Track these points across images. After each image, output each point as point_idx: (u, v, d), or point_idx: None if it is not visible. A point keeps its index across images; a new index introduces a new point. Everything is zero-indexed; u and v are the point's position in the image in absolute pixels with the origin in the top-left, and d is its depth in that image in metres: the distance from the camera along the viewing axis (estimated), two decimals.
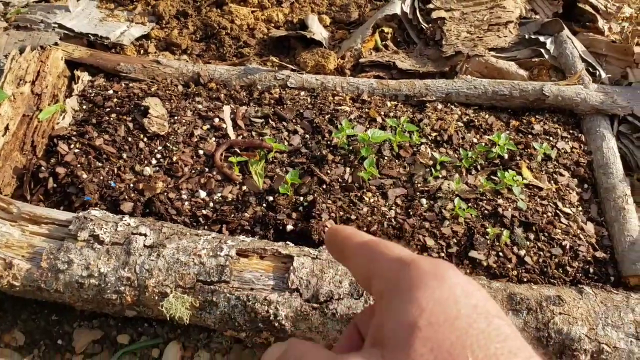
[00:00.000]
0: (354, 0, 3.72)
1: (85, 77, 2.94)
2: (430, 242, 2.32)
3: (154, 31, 3.37)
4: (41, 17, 3.17)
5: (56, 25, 3.11)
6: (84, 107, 2.82)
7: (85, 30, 3.15)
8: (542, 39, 3.19)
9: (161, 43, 3.34)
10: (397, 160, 2.67)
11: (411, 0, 3.50)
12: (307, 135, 2.77)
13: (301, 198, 2.47)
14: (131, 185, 2.47)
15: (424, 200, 2.49)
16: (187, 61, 3.22)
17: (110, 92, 2.87)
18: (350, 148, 2.68)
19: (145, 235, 2.06)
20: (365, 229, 2.34)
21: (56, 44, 2.97)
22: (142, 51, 3.27)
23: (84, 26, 3.19)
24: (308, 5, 3.68)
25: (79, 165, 2.50)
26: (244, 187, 2.52)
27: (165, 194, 2.45)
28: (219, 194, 2.49)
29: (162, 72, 2.99)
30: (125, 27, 3.28)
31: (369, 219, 2.39)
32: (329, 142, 2.72)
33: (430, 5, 3.45)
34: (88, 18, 3.27)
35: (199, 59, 3.30)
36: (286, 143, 2.72)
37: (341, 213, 2.41)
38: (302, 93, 2.98)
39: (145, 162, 2.58)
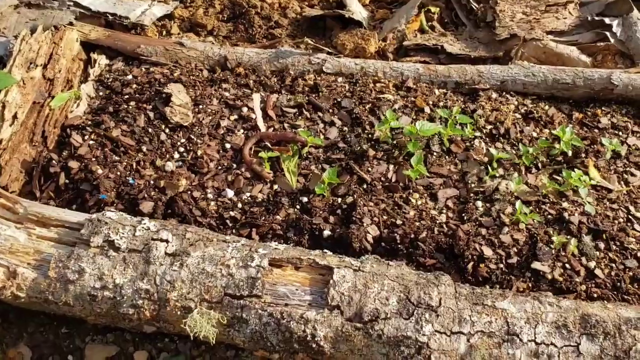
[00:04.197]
0: None
1: (102, 60, 2.70)
2: (487, 251, 2.05)
3: (178, 10, 3.10)
4: None
5: (71, 3, 2.87)
6: (101, 93, 2.58)
7: (103, 9, 2.90)
8: (607, 20, 2.87)
9: (185, 23, 3.08)
10: (447, 157, 2.39)
11: None
12: (345, 128, 2.49)
13: (339, 199, 2.21)
14: (151, 182, 2.23)
15: (479, 203, 2.21)
16: (213, 43, 2.95)
17: (130, 77, 2.62)
18: (395, 142, 2.41)
19: (167, 241, 1.81)
20: (412, 235, 2.06)
21: (71, 23, 2.73)
22: (164, 32, 3.01)
23: (102, 4, 2.93)
24: None
25: (93, 159, 2.26)
26: (276, 186, 2.27)
27: (189, 192, 2.20)
28: (248, 194, 2.24)
29: (186, 56, 2.72)
30: (147, 5, 3.02)
31: (417, 224, 2.12)
32: (370, 136, 2.44)
33: None
34: None
35: (225, 41, 3.03)
36: (322, 136, 2.45)
37: (385, 217, 2.14)
38: (340, 79, 2.70)
39: (167, 156, 2.33)
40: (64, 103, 2.42)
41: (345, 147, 2.41)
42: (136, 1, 3.02)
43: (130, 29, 2.93)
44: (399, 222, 2.12)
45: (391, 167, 2.34)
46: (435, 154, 2.38)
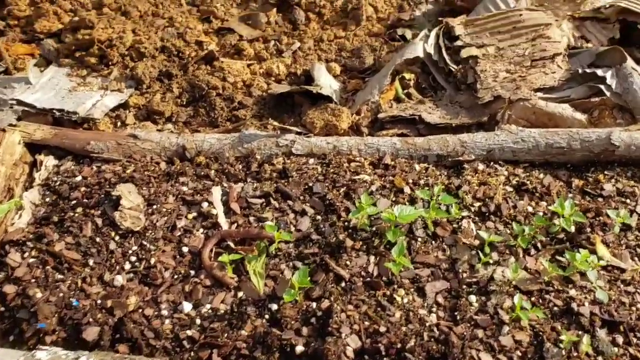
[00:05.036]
0: (368, 43, 3.20)
1: (49, 161, 2.48)
2: (486, 358, 1.75)
3: (133, 98, 2.89)
4: None
5: (14, 102, 2.66)
6: (47, 199, 2.35)
7: (49, 105, 2.69)
8: (600, 72, 2.63)
9: (141, 111, 2.86)
10: (433, 242, 2.13)
11: (435, 39, 2.97)
12: (318, 217, 2.24)
13: (314, 304, 1.95)
14: (98, 302, 1.99)
15: (473, 297, 1.95)
16: (171, 131, 2.73)
17: (79, 178, 2.40)
18: (374, 229, 2.15)
19: None
20: (399, 345, 1.77)
21: (13, 124, 2.50)
22: (118, 123, 2.79)
23: (49, 100, 2.73)
24: (314, 53, 3.17)
25: (33, 280, 2.03)
26: (240, 293, 2.03)
27: (141, 310, 1.97)
28: (209, 306, 1.99)
29: (140, 149, 2.50)
30: (99, 96, 2.81)
31: (404, 329, 1.85)
32: (346, 224, 2.19)
33: (459, 43, 2.91)
34: (55, 89, 2.82)
35: (185, 127, 2.80)
36: (292, 229, 2.20)
37: (367, 323, 1.87)
38: (311, 161, 2.47)
39: (117, 268, 2.09)
40: (4, 215, 2.18)
41: (319, 238, 2.15)
42: (87, 92, 2.81)
43: (80, 123, 2.71)
44: (382, 328, 1.84)
45: (372, 258, 2.07)
46: (419, 239, 2.12)
